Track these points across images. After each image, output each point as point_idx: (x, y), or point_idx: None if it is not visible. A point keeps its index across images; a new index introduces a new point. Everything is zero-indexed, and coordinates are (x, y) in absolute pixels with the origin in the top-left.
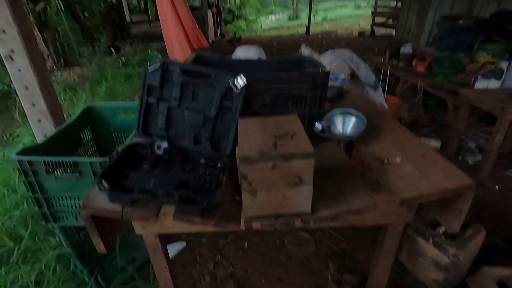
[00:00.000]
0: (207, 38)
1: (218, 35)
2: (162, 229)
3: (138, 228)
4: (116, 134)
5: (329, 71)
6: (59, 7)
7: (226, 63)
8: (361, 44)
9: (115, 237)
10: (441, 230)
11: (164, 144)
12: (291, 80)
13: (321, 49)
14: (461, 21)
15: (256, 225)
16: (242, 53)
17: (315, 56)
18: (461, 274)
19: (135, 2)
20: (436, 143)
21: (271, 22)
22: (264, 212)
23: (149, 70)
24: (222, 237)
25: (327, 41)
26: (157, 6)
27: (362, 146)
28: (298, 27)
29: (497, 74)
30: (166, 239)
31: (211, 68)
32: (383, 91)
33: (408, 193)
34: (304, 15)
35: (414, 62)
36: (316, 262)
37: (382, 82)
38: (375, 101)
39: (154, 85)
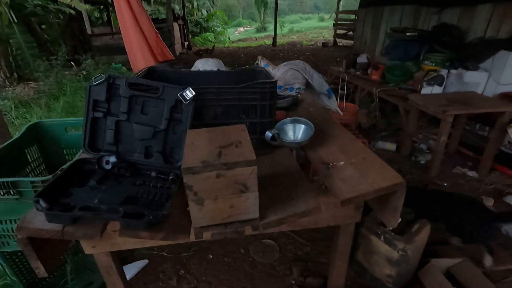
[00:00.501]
0: (173, 50)
1: (185, 46)
2: (113, 247)
3: (87, 247)
4: (68, 151)
5: (276, 81)
6: (11, 19)
7: (179, 76)
8: (324, 54)
9: (61, 258)
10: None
11: (112, 159)
12: (241, 91)
13: (287, 59)
14: (408, 33)
15: (206, 235)
16: (201, 65)
17: (271, 67)
18: (411, 268)
19: (97, 14)
20: (392, 146)
21: (240, 33)
22: (213, 221)
23: (94, 84)
24: (185, 249)
25: (292, 52)
26: (118, 19)
27: (311, 152)
28: (265, 39)
29: (439, 80)
30: (125, 257)
31: (164, 81)
32: (342, 99)
33: (348, 194)
34: (271, 27)
35: (369, 71)
36: (281, 268)
37: (341, 90)
38: (330, 108)
39: (100, 100)
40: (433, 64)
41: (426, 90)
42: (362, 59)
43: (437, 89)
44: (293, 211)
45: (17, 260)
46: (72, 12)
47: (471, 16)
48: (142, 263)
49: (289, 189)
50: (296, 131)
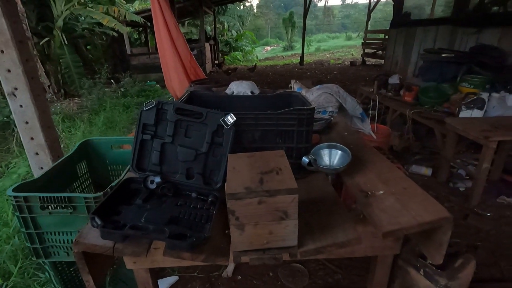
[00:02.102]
0: (205, 68)
1: (216, 65)
2: (153, 264)
3: (129, 263)
4: (111, 167)
5: (314, 108)
6: (62, 41)
7: (218, 99)
8: (352, 73)
9: (106, 272)
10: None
11: (157, 179)
12: (279, 117)
13: (314, 78)
14: (443, 54)
15: (244, 259)
16: (236, 87)
17: (304, 90)
18: None
19: (135, 35)
20: (428, 171)
21: (267, 52)
22: (252, 246)
23: (145, 109)
24: (215, 269)
25: (320, 71)
26: (156, 40)
27: (348, 179)
28: (292, 57)
29: (479, 104)
30: (158, 272)
31: (204, 105)
32: (374, 120)
33: (390, 226)
34: (298, 46)
35: (402, 92)
36: None
37: (372, 111)
38: (364, 131)
39: (149, 123)
40: (472, 87)
41: (465, 113)
42: (394, 79)
43: (477, 113)
44: (332, 240)
45: (61, 269)
46: (115, 34)
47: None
48: (173, 279)
49: (326, 217)
50: (332, 157)
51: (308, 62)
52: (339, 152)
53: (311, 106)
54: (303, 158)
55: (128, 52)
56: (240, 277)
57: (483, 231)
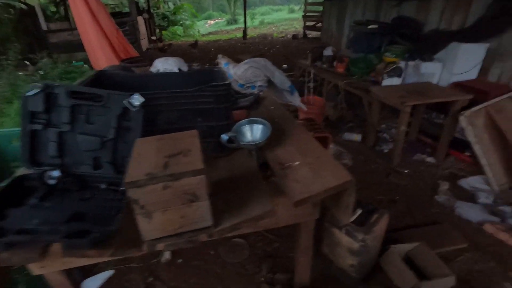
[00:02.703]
0: (139, 45)
1: (154, 41)
2: (65, 265)
3: (35, 268)
4: (15, 164)
5: (229, 83)
6: None
7: (133, 79)
8: (295, 46)
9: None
10: (352, 218)
11: (56, 173)
12: (194, 95)
13: (257, 53)
14: (369, 26)
15: (160, 246)
16: (161, 64)
17: (231, 65)
18: (372, 256)
19: (52, 8)
20: (358, 137)
21: (210, 26)
22: (165, 233)
23: (29, 94)
24: (153, 257)
25: (264, 45)
26: (73, 15)
27: (268, 152)
28: (236, 31)
29: (398, 72)
30: (89, 269)
31: (116, 87)
32: (310, 92)
33: (301, 195)
34: (242, 19)
35: (335, 64)
36: (251, 266)
37: (309, 83)
38: (293, 104)
39: (38, 111)
40: (393, 56)
41: (387, 82)
42: (327, 52)
43: (396, 81)
44: (248, 215)
45: None
46: (23, 6)
47: (426, 9)
48: (107, 274)
49: (246, 192)
50: (254, 132)
51: (252, 36)
52: (261, 126)
53: (227, 82)
54: (222, 135)
55: (44, 28)
56: (180, 260)
57: (401, 186)
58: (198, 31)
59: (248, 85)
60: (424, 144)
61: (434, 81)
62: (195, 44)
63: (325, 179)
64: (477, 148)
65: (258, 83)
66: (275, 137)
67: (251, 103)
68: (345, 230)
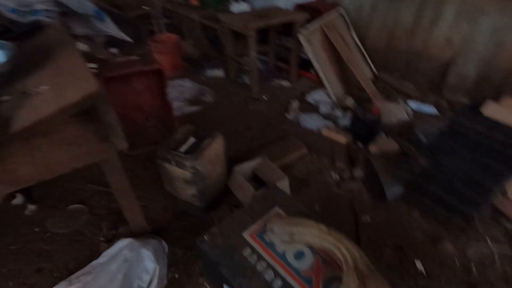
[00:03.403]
0: None
1: None
2: None
3: None
4: None
5: None
6: None
7: None
8: None
9: None
10: (183, 148)
11: None
12: None
13: None
14: None
15: None
16: None
17: None
18: (213, 181)
19: None
20: (220, 72)
21: None
22: None
23: None
24: None
25: None
26: None
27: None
28: None
29: None
30: None
31: None
32: (161, 30)
33: (24, 122)
34: None
35: None
36: (90, 229)
37: (160, 20)
38: (112, 34)
39: None
40: None
41: (235, 8)
42: None
43: (244, 6)
44: None
45: None
46: None
47: None
48: None
49: None
50: None
51: None
52: None
53: None
54: None
55: None
56: None
57: (259, 112)
58: None
59: (24, 10)
60: (281, 70)
61: (281, 4)
62: None
63: (63, 97)
64: (316, 65)
65: (39, 6)
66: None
67: (25, 32)
68: (174, 162)
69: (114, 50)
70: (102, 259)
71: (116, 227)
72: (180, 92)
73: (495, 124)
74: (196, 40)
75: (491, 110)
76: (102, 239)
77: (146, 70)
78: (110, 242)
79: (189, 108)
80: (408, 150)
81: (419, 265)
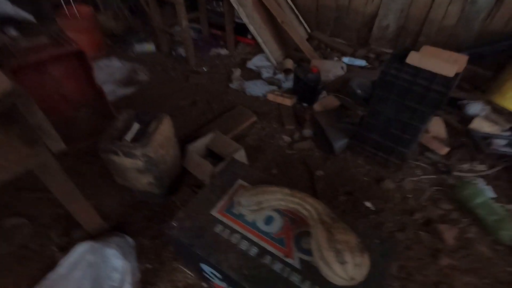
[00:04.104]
0: None
1: None
2: None
3: None
4: None
5: None
6: None
7: None
8: None
9: None
10: (128, 137)
11: None
12: None
13: None
14: None
15: None
16: None
17: None
18: (169, 165)
19: None
20: (151, 47)
21: None
22: None
23: None
24: None
25: None
26: None
27: None
28: None
29: None
30: None
31: None
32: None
33: None
34: None
35: None
36: (37, 241)
37: None
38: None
39: None
40: None
41: None
42: None
43: None
44: None
45: None
46: None
47: None
48: None
49: None
50: None
51: None
52: None
53: None
54: None
55: None
56: None
57: (201, 85)
58: None
59: None
60: (217, 38)
61: None
62: None
63: None
64: (251, 28)
65: None
66: None
67: None
68: (122, 152)
69: (13, 33)
70: (61, 269)
71: (68, 233)
72: (109, 73)
73: (417, 71)
74: (114, 12)
75: (413, 59)
76: (54, 248)
77: (63, 54)
78: (65, 250)
79: (123, 90)
80: (347, 104)
81: (368, 204)
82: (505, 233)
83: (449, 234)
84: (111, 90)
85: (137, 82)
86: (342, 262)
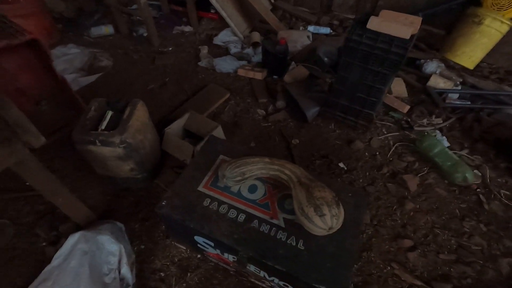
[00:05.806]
0: None
1: None
2: None
3: None
4: None
5: None
6: None
7: None
8: None
9: None
10: (103, 125)
11: None
12: None
13: None
14: None
15: None
16: None
17: None
18: (149, 149)
19: None
20: (109, 29)
21: None
22: None
23: None
24: None
25: None
26: None
27: None
28: None
29: None
30: None
31: None
32: None
33: None
34: None
35: None
36: (24, 240)
37: None
38: None
39: None
40: None
41: None
42: None
43: None
44: None
45: None
46: None
47: None
48: None
49: None
50: None
51: None
52: None
53: None
54: None
55: None
56: None
57: (168, 66)
58: None
59: None
60: (178, 14)
61: None
62: None
63: None
64: (214, 2)
65: None
66: None
67: None
68: (99, 142)
69: None
70: (56, 261)
71: (55, 227)
72: (68, 61)
73: (377, 35)
74: None
75: (373, 23)
76: (44, 244)
77: (14, 44)
78: (55, 243)
79: (86, 78)
80: (316, 73)
81: (341, 165)
82: (458, 175)
83: (413, 182)
84: (73, 79)
85: (100, 69)
86: (321, 215)
